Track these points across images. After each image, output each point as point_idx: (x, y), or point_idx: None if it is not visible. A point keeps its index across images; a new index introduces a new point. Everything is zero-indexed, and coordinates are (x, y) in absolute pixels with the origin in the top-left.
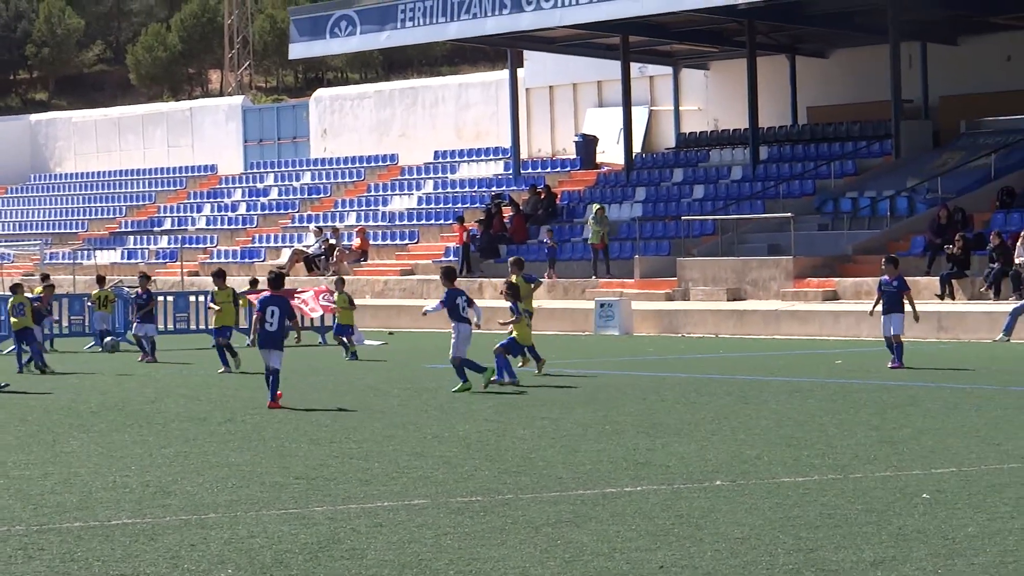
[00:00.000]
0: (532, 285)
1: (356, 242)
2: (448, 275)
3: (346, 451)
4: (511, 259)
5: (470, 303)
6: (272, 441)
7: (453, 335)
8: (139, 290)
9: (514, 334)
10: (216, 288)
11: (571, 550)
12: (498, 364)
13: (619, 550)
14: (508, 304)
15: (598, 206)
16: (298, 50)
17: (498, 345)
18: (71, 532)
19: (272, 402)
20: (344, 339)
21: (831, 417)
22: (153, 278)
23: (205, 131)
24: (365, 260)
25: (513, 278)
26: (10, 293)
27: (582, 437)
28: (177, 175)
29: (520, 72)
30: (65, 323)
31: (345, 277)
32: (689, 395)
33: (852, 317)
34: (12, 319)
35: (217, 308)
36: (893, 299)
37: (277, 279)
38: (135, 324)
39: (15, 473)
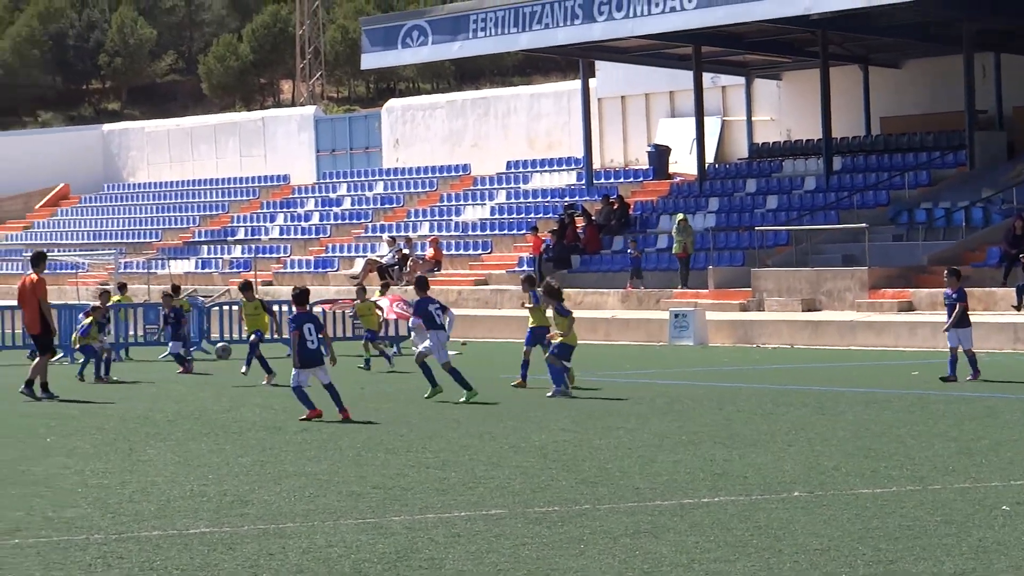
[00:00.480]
0: (536, 307)
1: (429, 252)
2: (421, 284)
3: (423, 460)
4: (522, 276)
5: (444, 310)
6: (349, 450)
7: (429, 343)
8: (165, 310)
9: (559, 339)
10: (244, 300)
11: (649, 561)
12: (553, 374)
13: (697, 561)
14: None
15: (681, 216)
16: (370, 60)
17: (548, 355)
18: (149, 541)
19: (344, 411)
20: (377, 345)
21: (908, 428)
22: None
23: (277, 141)
24: (438, 270)
25: (527, 297)
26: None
27: (659, 448)
28: (250, 185)
29: (592, 82)
30: (140, 332)
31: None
32: (765, 406)
33: (928, 328)
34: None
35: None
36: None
37: (302, 295)
38: (171, 341)
39: (93, 481)
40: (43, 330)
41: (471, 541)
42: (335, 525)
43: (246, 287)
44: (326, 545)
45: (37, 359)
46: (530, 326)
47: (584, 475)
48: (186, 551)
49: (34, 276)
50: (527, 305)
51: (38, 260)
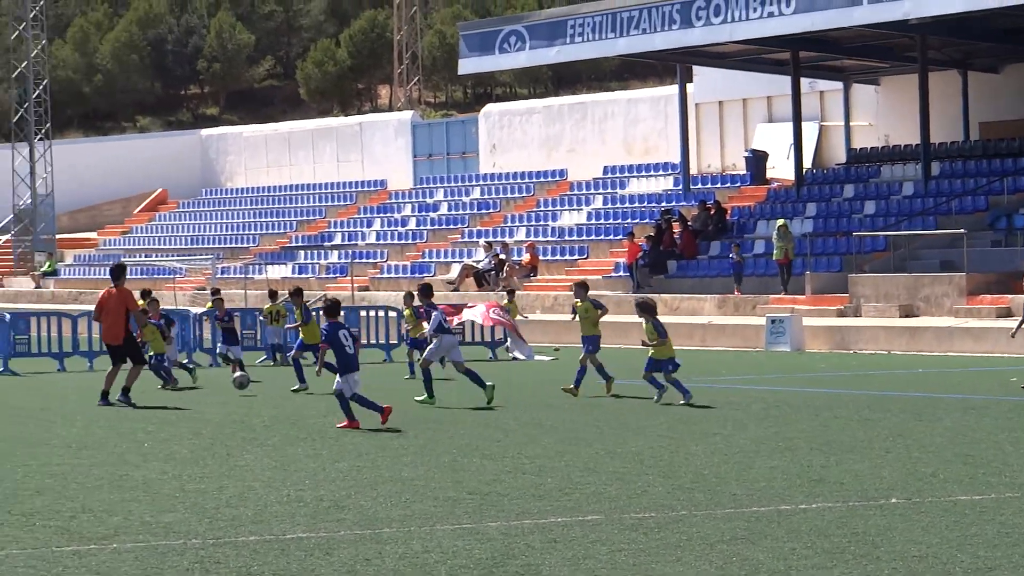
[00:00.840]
0: (599, 312)
1: (526, 257)
2: (426, 292)
3: (519, 466)
4: (576, 282)
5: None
6: (444, 456)
7: (434, 343)
8: (217, 312)
9: (651, 353)
10: (295, 308)
11: (747, 567)
12: (679, 388)
13: (795, 568)
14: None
15: (781, 221)
16: (467, 65)
17: (644, 372)
18: (247, 546)
19: (383, 412)
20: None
21: (1007, 435)
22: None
23: (375, 146)
24: (535, 275)
25: (578, 303)
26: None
27: (755, 454)
28: (347, 190)
29: (689, 87)
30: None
31: (515, 290)
32: (862, 412)
33: None
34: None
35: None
36: None
37: (334, 307)
38: (220, 344)
39: (190, 487)
40: (129, 340)
41: (568, 547)
42: (431, 530)
43: (297, 293)
44: (422, 551)
45: (132, 367)
46: (586, 335)
47: (680, 481)
48: (283, 556)
49: (118, 288)
50: (577, 317)
51: (120, 272)
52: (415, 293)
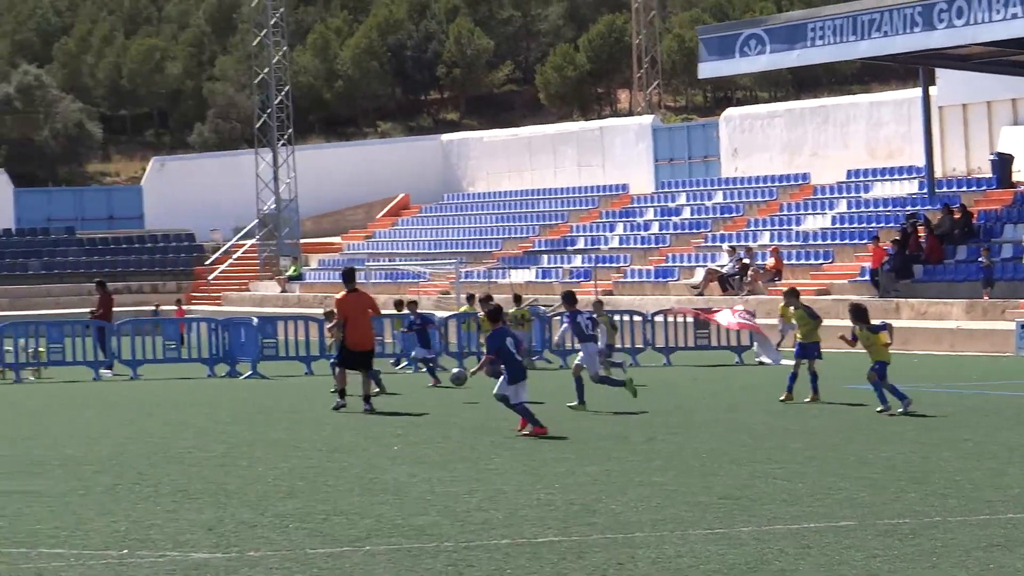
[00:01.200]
0: (815, 322)
1: (770, 261)
2: (568, 299)
3: (768, 471)
4: (785, 291)
5: (594, 324)
6: (693, 460)
7: (581, 355)
8: (411, 316)
9: (872, 358)
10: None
11: (1004, 575)
12: (880, 395)
13: None
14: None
15: None
16: (707, 69)
17: (869, 373)
18: (499, 549)
19: (539, 427)
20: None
21: None
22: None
23: (615, 151)
24: (779, 279)
25: (791, 310)
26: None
27: (1009, 460)
28: (589, 194)
29: (932, 90)
30: (480, 340)
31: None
32: None
33: None
34: None
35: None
36: None
37: (496, 312)
38: (416, 348)
39: (440, 490)
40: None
41: (822, 553)
42: (684, 535)
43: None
44: (675, 555)
45: (365, 373)
46: (805, 342)
47: (933, 487)
48: (535, 560)
49: (357, 292)
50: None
51: (353, 275)
52: (600, 301)
